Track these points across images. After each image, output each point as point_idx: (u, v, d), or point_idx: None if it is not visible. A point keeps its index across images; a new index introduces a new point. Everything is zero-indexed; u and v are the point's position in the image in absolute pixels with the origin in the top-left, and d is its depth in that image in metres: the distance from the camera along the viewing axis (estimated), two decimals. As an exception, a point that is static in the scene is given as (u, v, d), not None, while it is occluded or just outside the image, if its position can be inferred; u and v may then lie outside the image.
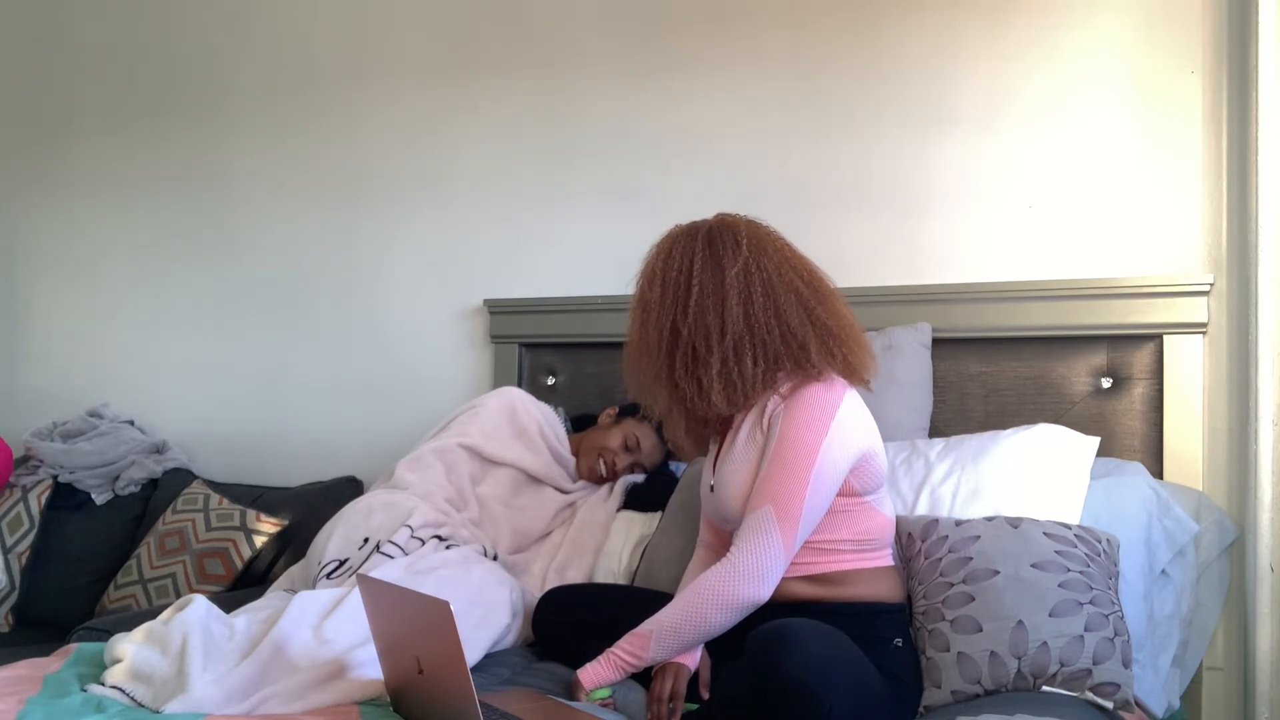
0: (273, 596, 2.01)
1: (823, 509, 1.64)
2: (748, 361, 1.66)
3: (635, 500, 2.30)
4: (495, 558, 2.12)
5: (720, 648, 1.68)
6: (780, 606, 1.61)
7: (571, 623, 1.87)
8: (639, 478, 2.37)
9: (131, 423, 3.14)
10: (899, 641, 1.67)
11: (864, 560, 1.70)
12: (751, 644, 1.42)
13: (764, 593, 1.60)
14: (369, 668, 1.60)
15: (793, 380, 1.68)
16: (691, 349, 1.68)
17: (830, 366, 1.68)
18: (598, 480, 2.38)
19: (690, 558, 1.92)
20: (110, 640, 1.68)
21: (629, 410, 2.40)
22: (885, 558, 1.74)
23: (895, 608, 1.71)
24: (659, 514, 2.22)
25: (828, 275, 1.76)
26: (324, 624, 1.69)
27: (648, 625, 1.63)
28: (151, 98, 3.28)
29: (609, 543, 2.21)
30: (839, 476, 1.64)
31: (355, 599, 1.71)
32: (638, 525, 2.23)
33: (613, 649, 1.63)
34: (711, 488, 1.79)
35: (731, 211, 1.79)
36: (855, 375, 1.72)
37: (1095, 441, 1.97)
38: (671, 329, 1.69)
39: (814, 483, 1.60)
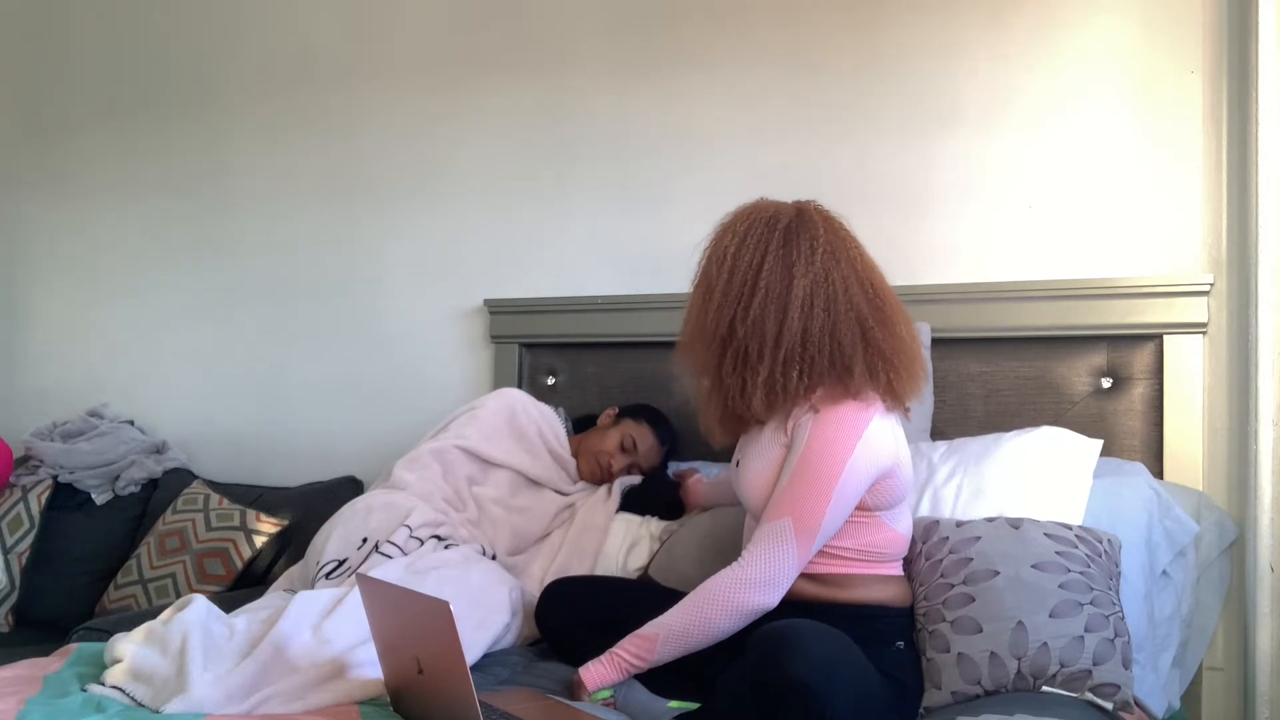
0: (272, 596, 2.01)
1: (840, 523, 1.65)
2: (794, 375, 1.66)
3: (630, 503, 2.30)
4: (494, 558, 2.12)
5: (721, 646, 1.68)
6: (782, 604, 1.61)
7: (576, 615, 1.86)
8: (636, 479, 2.37)
9: (131, 423, 3.14)
10: (900, 644, 1.67)
11: (868, 568, 1.70)
12: (754, 644, 1.42)
13: (773, 600, 1.61)
14: (369, 668, 1.60)
15: (827, 392, 1.67)
16: (744, 350, 1.68)
17: (871, 387, 1.67)
18: (597, 481, 2.38)
19: (709, 550, 1.97)
20: (110, 640, 1.68)
21: (628, 411, 2.40)
22: (893, 568, 1.74)
23: (897, 611, 1.71)
24: (653, 518, 2.24)
25: (892, 292, 1.73)
26: (324, 624, 1.69)
27: (653, 627, 1.63)
28: (150, 96, 3.28)
29: (607, 544, 2.21)
30: (859, 494, 1.65)
31: (355, 599, 1.71)
32: (634, 527, 2.23)
33: (616, 649, 1.63)
34: (738, 463, 1.81)
35: (809, 200, 1.77)
36: (896, 399, 1.70)
37: (1098, 444, 1.97)
38: (729, 326, 1.69)
39: (835, 500, 1.61)
